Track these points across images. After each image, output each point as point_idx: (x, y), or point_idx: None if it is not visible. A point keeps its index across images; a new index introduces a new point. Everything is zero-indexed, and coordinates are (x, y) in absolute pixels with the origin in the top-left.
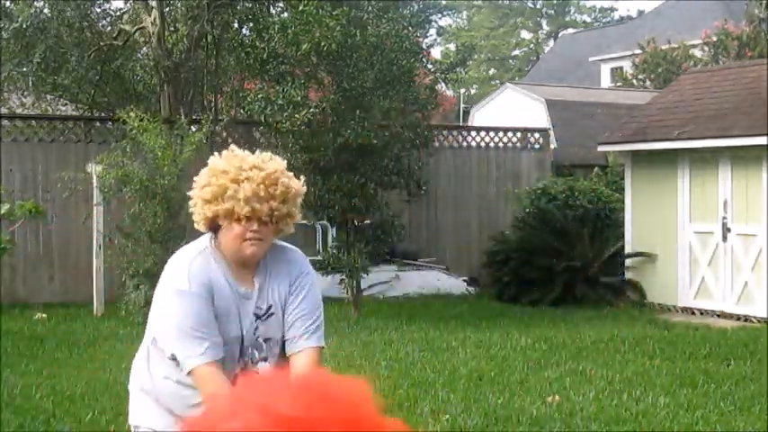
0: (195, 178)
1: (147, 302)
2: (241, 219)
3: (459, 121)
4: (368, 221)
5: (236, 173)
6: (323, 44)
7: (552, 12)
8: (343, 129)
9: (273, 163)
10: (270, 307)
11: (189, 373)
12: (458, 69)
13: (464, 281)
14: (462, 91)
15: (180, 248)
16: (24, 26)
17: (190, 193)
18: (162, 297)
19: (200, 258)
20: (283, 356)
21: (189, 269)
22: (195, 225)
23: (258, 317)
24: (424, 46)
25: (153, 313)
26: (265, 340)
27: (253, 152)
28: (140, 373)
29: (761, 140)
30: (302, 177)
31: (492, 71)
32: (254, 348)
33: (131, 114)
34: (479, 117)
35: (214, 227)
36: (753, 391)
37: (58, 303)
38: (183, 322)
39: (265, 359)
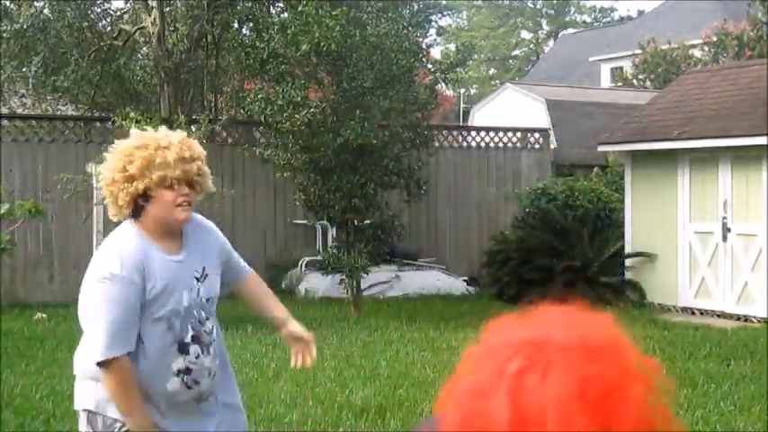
0: (102, 167)
1: None
2: (173, 185)
3: (459, 121)
4: (368, 221)
5: (156, 143)
6: (322, 44)
7: (552, 12)
8: (343, 129)
9: (175, 132)
10: (204, 268)
11: (102, 362)
12: (458, 69)
13: (464, 281)
14: (462, 91)
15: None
16: (25, 26)
17: (101, 184)
18: (92, 283)
19: (131, 240)
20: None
21: (120, 253)
22: (113, 215)
23: (198, 279)
24: (423, 46)
25: (83, 300)
26: (207, 300)
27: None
28: (89, 363)
29: (761, 140)
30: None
31: (492, 71)
32: (200, 309)
33: (130, 115)
34: (479, 117)
35: (136, 208)
36: (753, 391)
37: (58, 303)
38: (111, 309)
39: (207, 318)
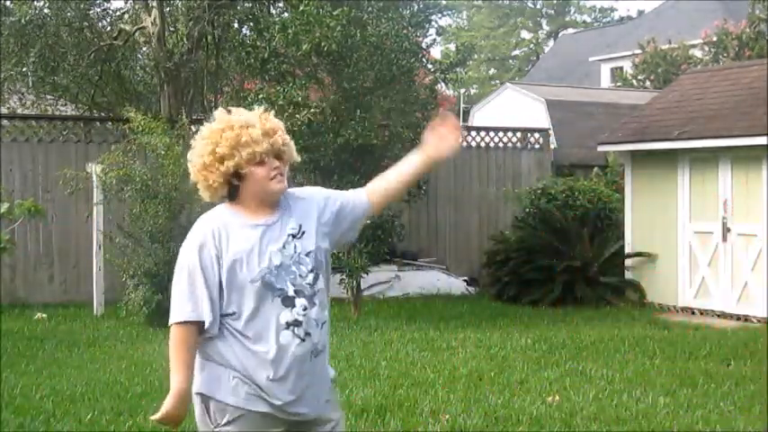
0: (190, 155)
1: (147, 302)
2: (263, 160)
3: (460, 121)
4: (368, 221)
5: (240, 122)
6: (323, 44)
7: (552, 12)
8: (344, 129)
9: (252, 110)
10: (300, 226)
11: (173, 324)
12: (458, 69)
13: (464, 281)
14: (462, 91)
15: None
16: (23, 22)
17: (193, 169)
18: (179, 261)
19: (214, 212)
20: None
21: (199, 225)
22: (208, 198)
23: (293, 236)
24: (423, 46)
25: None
26: (307, 254)
27: None
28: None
29: (761, 140)
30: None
31: (492, 71)
32: (300, 265)
33: (132, 114)
34: (479, 117)
35: (230, 190)
36: (753, 391)
37: (58, 303)
38: (179, 278)
39: (312, 270)
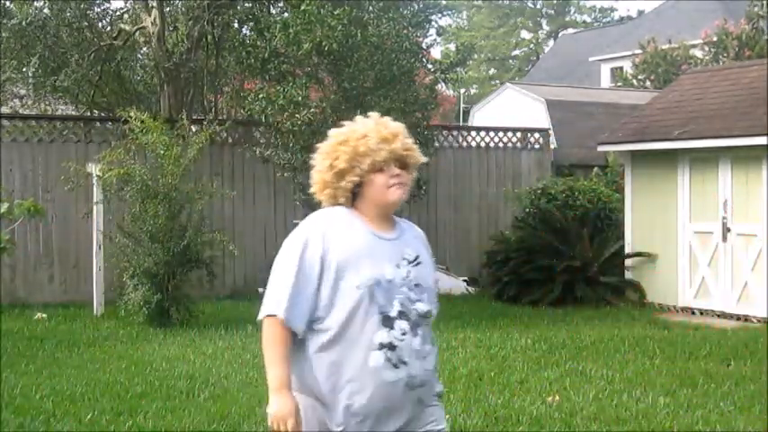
0: (312, 173)
1: (147, 302)
2: (382, 167)
3: (460, 121)
4: None
5: (356, 133)
6: (324, 44)
7: (552, 12)
8: None
9: (369, 117)
10: (418, 257)
11: (264, 318)
12: (458, 69)
13: (464, 281)
14: (462, 91)
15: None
16: (24, 23)
17: (316, 186)
18: (279, 254)
19: (326, 211)
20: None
21: (307, 221)
22: (330, 205)
23: (409, 261)
24: (424, 46)
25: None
26: (416, 285)
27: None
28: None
29: (761, 140)
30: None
31: (492, 71)
32: (409, 290)
33: (132, 114)
34: (479, 117)
35: (351, 196)
36: (753, 391)
37: (58, 303)
38: (276, 275)
39: (422, 300)
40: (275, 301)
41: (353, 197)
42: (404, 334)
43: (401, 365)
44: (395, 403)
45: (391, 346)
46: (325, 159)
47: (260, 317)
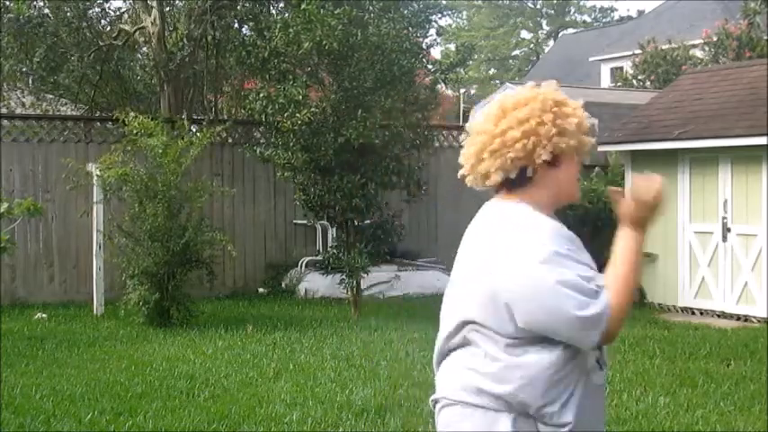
0: (517, 115)
1: (146, 302)
2: (579, 156)
3: (460, 121)
4: (368, 221)
5: (576, 103)
6: (324, 43)
7: (552, 12)
8: (344, 128)
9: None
10: None
11: (604, 314)
12: (458, 69)
13: None
14: (462, 91)
15: (491, 229)
16: (22, 20)
17: (521, 128)
18: (529, 270)
19: (541, 216)
20: None
21: (545, 230)
22: (479, 180)
23: None
24: (424, 46)
25: (504, 293)
26: None
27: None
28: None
29: (761, 140)
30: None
31: (492, 71)
32: None
33: (131, 115)
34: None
35: (509, 182)
36: (753, 391)
37: (58, 303)
38: (566, 277)
39: None
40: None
41: (510, 186)
42: None
43: (604, 367)
44: (599, 405)
45: (599, 348)
46: (540, 108)
47: (607, 299)
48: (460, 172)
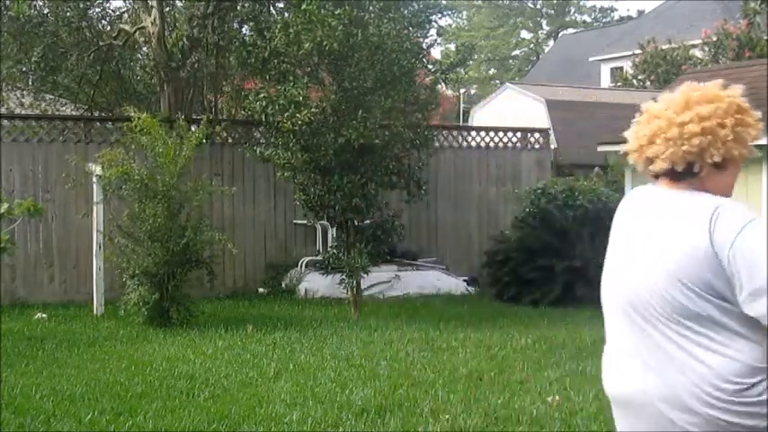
0: (702, 108)
1: (146, 302)
2: (738, 164)
3: (460, 121)
4: (368, 221)
5: (755, 115)
6: (325, 43)
7: (552, 12)
8: (344, 128)
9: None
10: None
11: None
12: (458, 69)
13: (464, 281)
14: (462, 91)
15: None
16: (22, 19)
17: (701, 125)
18: (755, 234)
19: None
20: None
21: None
22: (665, 161)
23: None
24: (424, 46)
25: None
26: None
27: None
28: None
29: (761, 140)
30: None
31: (492, 71)
32: None
33: (134, 113)
34: (479, 117)
35: (687, 170)
36: None
37: (58, 303)
38: None
39: None
40: None
41: (678, 176)
42: None
43: None
44: None
45: None
46: (722, 108)
47: None
48: (624, 147)
